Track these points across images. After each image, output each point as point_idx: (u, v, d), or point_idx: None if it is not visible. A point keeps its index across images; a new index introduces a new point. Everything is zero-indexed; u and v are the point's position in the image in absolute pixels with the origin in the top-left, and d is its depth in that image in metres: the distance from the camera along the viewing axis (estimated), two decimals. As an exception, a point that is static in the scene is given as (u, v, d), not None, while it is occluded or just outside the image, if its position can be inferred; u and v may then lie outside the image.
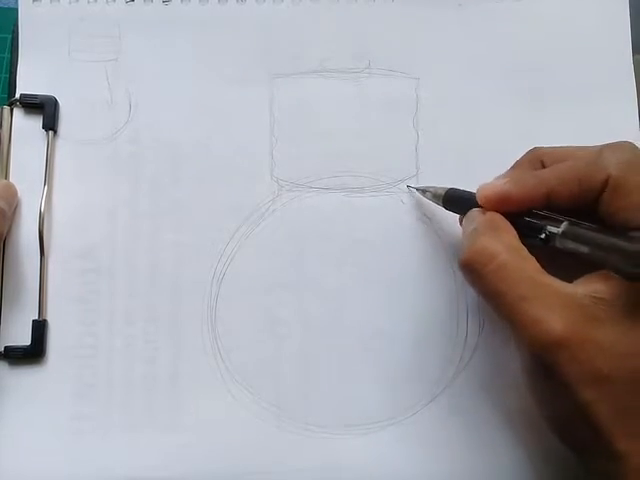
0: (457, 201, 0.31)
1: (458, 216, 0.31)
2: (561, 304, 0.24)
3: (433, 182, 0.33)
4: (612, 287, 0.24)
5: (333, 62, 0.35)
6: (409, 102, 0.35)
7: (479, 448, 0.31)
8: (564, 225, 0.26)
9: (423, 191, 0.33)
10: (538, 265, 0.25)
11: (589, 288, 0.24)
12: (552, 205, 0.27)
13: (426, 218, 0.34)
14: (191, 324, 0.32)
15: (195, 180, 0.34)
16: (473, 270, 0.26)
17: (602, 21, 0.35)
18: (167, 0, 0.35)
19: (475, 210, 0.28)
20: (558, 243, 0.26)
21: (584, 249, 0.25)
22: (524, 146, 0.34)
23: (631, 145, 0.27)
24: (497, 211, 0.27)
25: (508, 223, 0.27)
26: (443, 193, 0.31)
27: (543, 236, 0.26)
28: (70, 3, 0.35)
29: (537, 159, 0.29)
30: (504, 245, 0.26)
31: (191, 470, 0.31)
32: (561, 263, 0.25)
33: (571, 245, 0.25)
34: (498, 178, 0.29)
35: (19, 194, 0.33)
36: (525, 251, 0.26)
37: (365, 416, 0.32)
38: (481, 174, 0.33)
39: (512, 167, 0.31)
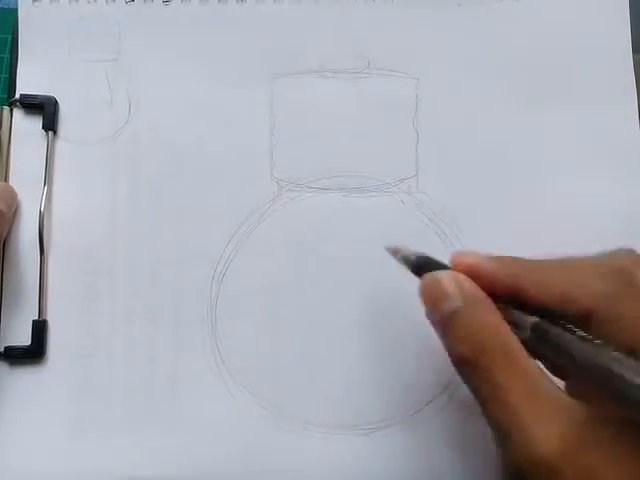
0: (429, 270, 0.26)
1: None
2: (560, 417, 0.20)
3: (433, 182, 0.33)
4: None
5: (333, 62, 0.35)
6: (409, 102, 0.35)
7: (479, 448, 0.31)
8: (532, 320, 0.22)
9: (394, 251, 0.29)
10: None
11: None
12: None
13: (426, 219, 0.34)
14: (191, 324, 0.32)
15: (195, 180, 0.34)
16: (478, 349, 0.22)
17: (602, 21, 0.35)
18: (167, 0, 0.35)
19: (451, 273, 0.24)
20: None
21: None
22: (524, 146, 0.34)
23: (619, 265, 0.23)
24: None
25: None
26: (414, 259, 0.27)
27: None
28: (70, 3, 0.35)
29: None
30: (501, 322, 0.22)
31: (191, 470, 0.31)
32: None
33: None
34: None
35: (19, 195, 0.33)
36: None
37: (365, 416, 0.32)
38: (481, 174, 0.34)
39: None
